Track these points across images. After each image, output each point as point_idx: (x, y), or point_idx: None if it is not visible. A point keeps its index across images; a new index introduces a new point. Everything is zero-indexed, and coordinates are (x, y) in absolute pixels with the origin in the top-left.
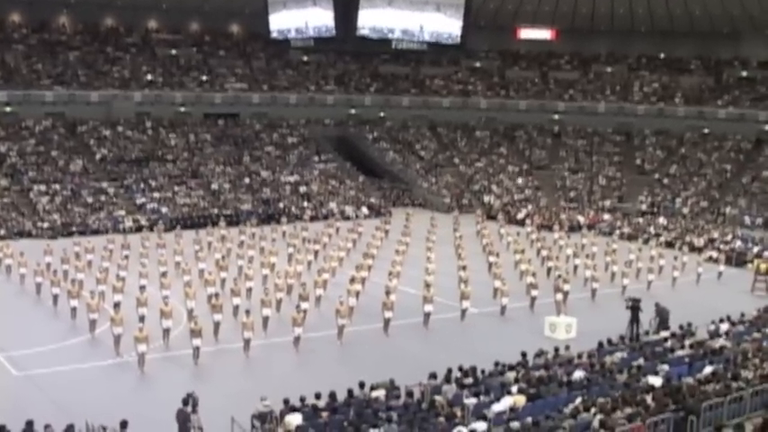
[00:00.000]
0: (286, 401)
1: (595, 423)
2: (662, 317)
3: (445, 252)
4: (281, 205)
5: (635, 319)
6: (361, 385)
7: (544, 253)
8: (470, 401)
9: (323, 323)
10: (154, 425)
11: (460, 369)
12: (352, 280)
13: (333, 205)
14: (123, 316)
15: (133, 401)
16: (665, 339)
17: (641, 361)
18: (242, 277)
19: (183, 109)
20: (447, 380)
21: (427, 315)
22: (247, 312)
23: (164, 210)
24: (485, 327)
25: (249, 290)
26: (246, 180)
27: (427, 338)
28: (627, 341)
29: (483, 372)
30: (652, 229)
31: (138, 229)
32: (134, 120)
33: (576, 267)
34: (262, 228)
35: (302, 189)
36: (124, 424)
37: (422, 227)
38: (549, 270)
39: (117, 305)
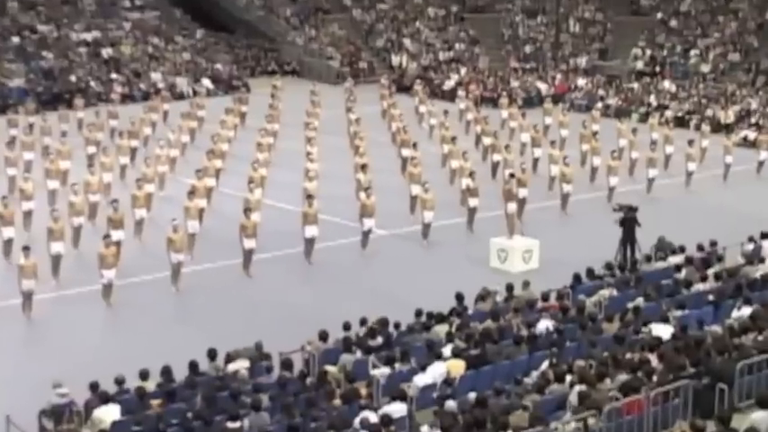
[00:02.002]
0: (94, 387)
1: (573, 398)
2: (663, 249)
3: (335, 144)
4: (74, 79)
5: (629, 239)
6: (212, 355)
7: (487, 141)
8: (381, 372)
9: (148, 261)
10: None
11: (364, 324)
12: (192, 193)
13: (156, 77)
14: None
15: None
16: (678, 268)
17: (640, 302)
18: (14, 194)
19: None
20: (346, 345)
21: (310, 242)
22: (26, 250)
23: None
24: (399, 257)
25: (27, 214)
26: (15, 40)
27: (311, 278)
28: (617, 272)
29: (398, 327)
30: (653, 100)
31: None
32: None
33: (536, 162)
34: (44, 115)
35: (106, 53)
36: None
37: (297, 107)
38: (494, 167)
39: None
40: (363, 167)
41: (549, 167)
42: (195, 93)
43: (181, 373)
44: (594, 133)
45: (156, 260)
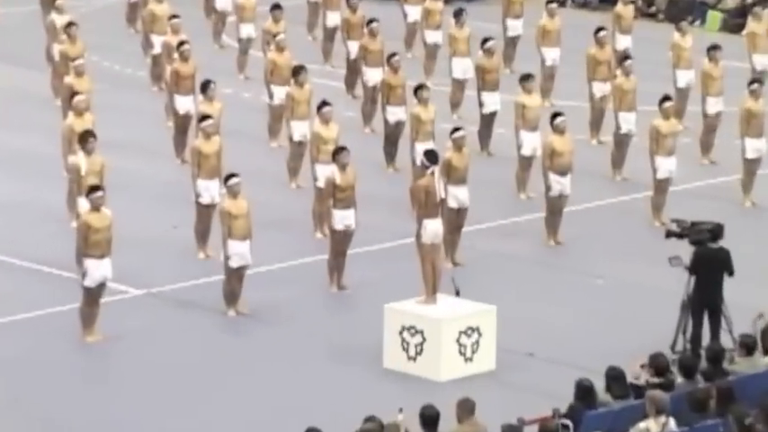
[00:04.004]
0: None
1: None
2: None
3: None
4: None
5: (706, 302)
6: None
7: (372, 77)
8: None
9: None
10: None
11: None
12: None
13: None
14: None
15: None
16: None
17: None
18: None
19: None
20: None
21: None
22: None
23: None
24: (173, 348)
25: None
26: None
27: None
28: (678, 377)
29: None
30: None
31: None
32: None
33: (487, 122)
34: None
35: None
36: None
37: None
38: (392, 138)
39: None
40: (83, 140)
41: (518, 137)
42: None
43: None
44: (623, 58)
45: None
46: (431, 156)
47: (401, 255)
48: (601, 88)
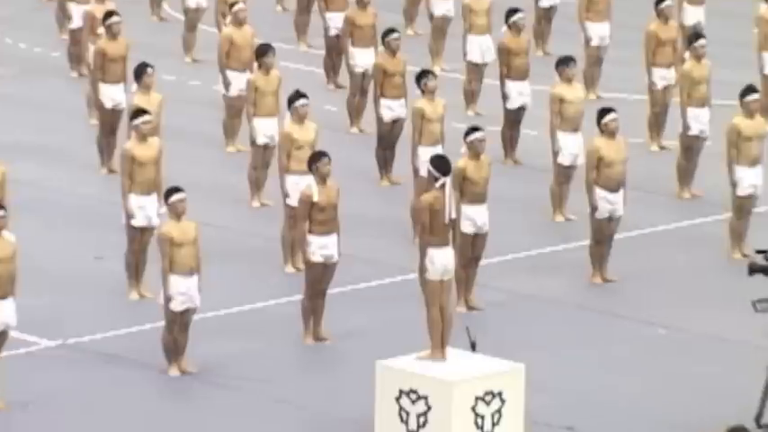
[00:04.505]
0: None
1: None
2: None
3: None
4: None
5: None
6: None
7: (358, 61)
8: None
9: None
10: None
11: None
12: None
13: None
14: None
15: None
16: None
17: None
18: None
19: None
20: None
21: None
22: None
23: None
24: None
25: None
26: None
27: None
28: None
29: None
30: None
31: None
32: None
33: (513, 119)
34: None
35: None
36: None
37: None
38: (387, 139)
39: None
40: None
41: (554, 140)
42: None
43: None
44: (693, 38)
45: None
46: (440, 163)
47: (399, 295)
48: (664, 76)
